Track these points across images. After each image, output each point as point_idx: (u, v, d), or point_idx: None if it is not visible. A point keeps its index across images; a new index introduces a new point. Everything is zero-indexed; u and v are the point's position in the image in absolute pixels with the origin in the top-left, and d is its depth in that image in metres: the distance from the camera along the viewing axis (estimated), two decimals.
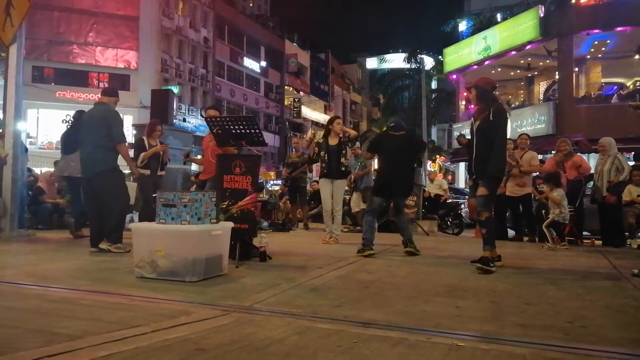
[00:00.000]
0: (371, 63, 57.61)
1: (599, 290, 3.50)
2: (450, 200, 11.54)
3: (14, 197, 6.48)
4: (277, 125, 39.41)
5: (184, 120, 27.59)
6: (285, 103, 40.70)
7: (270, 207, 10.15)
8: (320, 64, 47.02)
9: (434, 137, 38.75)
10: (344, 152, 6.53)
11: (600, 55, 19.87)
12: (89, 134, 5.12)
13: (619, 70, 20.04)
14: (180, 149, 9.82)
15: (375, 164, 6.82)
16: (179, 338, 2.12)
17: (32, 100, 21.01)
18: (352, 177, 8.62)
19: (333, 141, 6.59)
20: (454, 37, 25.60)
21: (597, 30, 18.02)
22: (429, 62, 31.93)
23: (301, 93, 42.29)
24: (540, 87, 22.70)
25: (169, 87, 19.40)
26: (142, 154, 6.62)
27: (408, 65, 32.34)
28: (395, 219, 5.85)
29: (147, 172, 6.63)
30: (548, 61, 20.70)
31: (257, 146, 5.02)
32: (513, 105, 22.57)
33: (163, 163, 6.96)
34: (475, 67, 22.69)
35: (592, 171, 7.42)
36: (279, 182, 17.84)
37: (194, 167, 12.73)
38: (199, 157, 7.07)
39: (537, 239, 7.26)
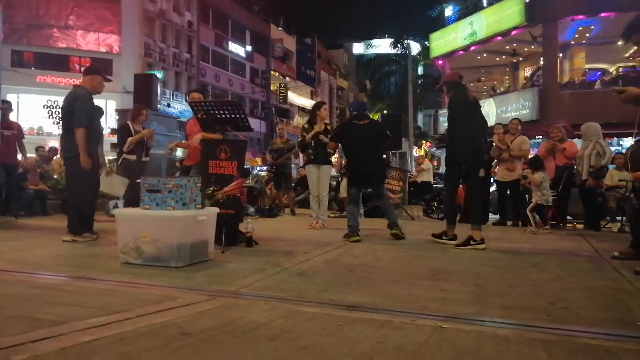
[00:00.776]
0: (358, 48, 57.40)
1: (580, 272, 3.57)
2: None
3: None
4: (263, 111, 39.11)
5: (169, 105, 27.21)
6: (271, 88, 40.34)
7: (256, 193, 10.12)
8: (307, 49, 46.61)
9: (420, 122, 38.87)
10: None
11: (584, 41, 20.01)
12: (62, 120, 4.95)
13: (603, 56, 20.23)
14: (166, 135, 9.71)
15: None
16: (164, 323, 2.12)
17: (11, 85, 20.54)
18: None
19: (319, 127, 6.56)
20: (440, 22, 25.50)
21: (581, 16, 18.11)
22: (415, 47, 31.90)
23: (287, 78, 41.94)
24: (525, 73, 22.83)
25: (153, 72, 19.10)
26: (130, 139, 6.52)
27: (394, 51, 32.26)
28: (380, 204, 5.93)
29: (133, 157, 6.55)
30: (533, 47, 20.78)
31: (242, 131, 4.97)
32: (498, 91, 22.70)
33: (147, 149, 6.87)
34: (461, 52, 22.69)
35: None
36: (265, 168, 17.79)
37: (179, 152, 12.60)
38: (184, 142, 7.01)
39: (520, 223, 7.36)
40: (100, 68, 5.31)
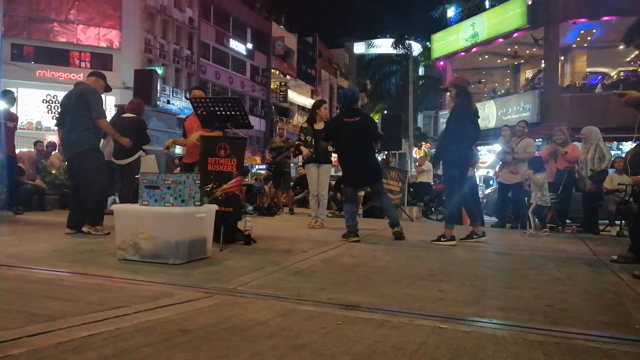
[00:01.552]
0: (359, 48, 57.25)
1: (579, 275, 3.57)
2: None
3: None
4: (263, 109, 39.08)
5: (168, 102, 27.19)
6: (272, 87, 40.32)
7: (255, 192, 10.11)
8: (308, 48, 46.57)
9: (420, 123, 38.81)
10: None
11: (585, 45, 20.02)
12: (68, 115, 4.99)
13: (604, 60, 20.23)
14: (165, 131, 9.70)
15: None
16: (161, 319, 2.11)
17: (11, 79, 20.48)
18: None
19: (319, 126, 6.56)
20: (442, 23, 25.49)
21: (583, 20, 18.12)
22: (416, 48, 31.79)
23: (288, 77, 41.89)
24: (526, 75, 22.84)
25: (153, 68, 19.07)
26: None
27: (396, 51, 32.17)
28: (379, 203, 5.88)
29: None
30: (534, 49, 20.77)
31: (242, 129, 4.96)
32: (499, 93, 22.70)
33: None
34: (462, 53, 22.68)
35: None
36: (264, 166, 17.79)
37: (178, 149, 12.59)
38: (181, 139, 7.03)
39: (519, 225, 7.37)
40: (104, 77, 5.36)
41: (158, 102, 17.17)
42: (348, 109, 5.42)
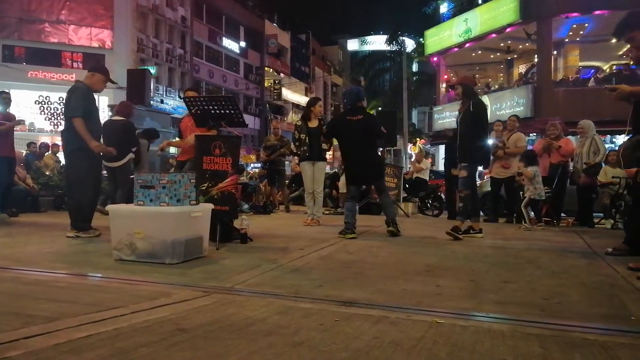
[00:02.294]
0: (352, 45, 57.10)
1: (574, 268, 3.59)
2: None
3: None
4: (257, 108, 38.99)
5: (162, 101, 27.06)
6: (266, 85, 40.20)
7: (250, 190, 10.10)
8: (301, 45, 46.47)
9: (414, 120, 38.87)
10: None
11: (578, 39, 20.11)
12: (64, 115, 4.97)
13: (596, 53, 20.34)
14: (159, 130, 9.67)
15: None
16: (159, 319, 2.10)
17: (2, 80, 20.31)
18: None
19: (313, 124, 6.55)
20: (435, 19, 25.51)
21: (575, 14, 18.19)
22: (410, 44, 31.80)
23: (281, 75, 41.81)
24: (519, 70, 22.91)
25: (146, 68, 18.97)
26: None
27: (389, 48, 32.21)
28: (378, 200, 5.92)
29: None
30: (527, 44, 20.86)
31: (237, 127, 4.95)
32: (492, 88, 22.76)
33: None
34: (455, 49, 22.72)
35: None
36: (259, 165, 17.76)
37: (172, 150, 12.53)
38: (177, 139, 6.99)
39: (514, 220, 7.39)
40: (103, 67, 5.21)
41: (152, 102, 17.09)
42: (352, 107, 5.48)
